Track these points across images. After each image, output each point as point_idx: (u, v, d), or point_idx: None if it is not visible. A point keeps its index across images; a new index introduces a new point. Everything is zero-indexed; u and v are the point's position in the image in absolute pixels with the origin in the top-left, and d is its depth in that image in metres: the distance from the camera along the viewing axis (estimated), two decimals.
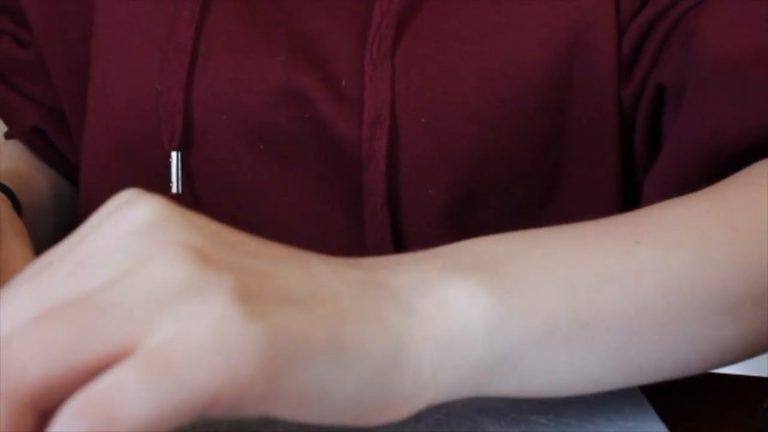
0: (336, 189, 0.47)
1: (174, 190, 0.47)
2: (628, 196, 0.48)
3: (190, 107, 0.46)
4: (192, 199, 0.48)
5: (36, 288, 0.23)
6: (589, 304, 0.28)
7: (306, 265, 0.24)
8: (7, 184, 0.49)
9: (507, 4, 0.46)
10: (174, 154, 0.47)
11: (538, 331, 0.27)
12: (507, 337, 0.26)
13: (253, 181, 0.48)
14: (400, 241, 0.47)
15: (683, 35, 0.43)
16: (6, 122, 0.61)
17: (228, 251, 0.23)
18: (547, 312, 0.27)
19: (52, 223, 0.58)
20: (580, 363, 0.29)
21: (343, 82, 0.46)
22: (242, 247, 0.24)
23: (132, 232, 0.23)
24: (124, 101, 0.48)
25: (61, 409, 0.21)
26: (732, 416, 0.42)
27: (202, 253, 0.23)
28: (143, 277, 0.22)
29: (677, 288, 0.30)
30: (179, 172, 0.47)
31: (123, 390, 0.20)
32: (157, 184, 0.47)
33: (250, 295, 0.22)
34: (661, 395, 0.42)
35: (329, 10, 0.47)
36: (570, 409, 0.37)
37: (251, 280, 0.23)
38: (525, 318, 0.27)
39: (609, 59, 0.46)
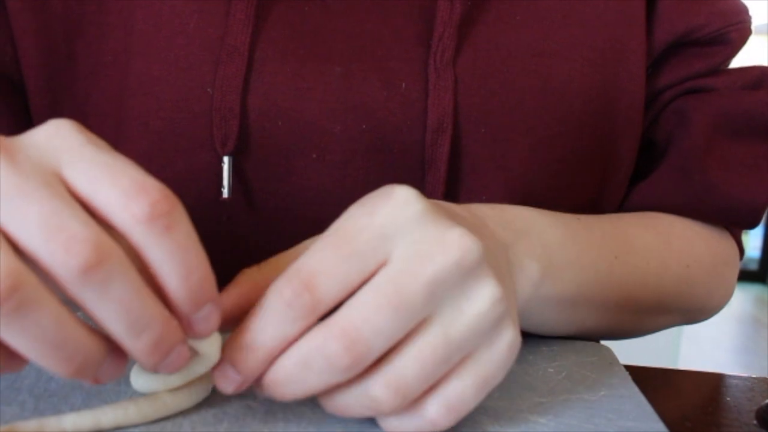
0: None
1: (225, 194, 0.46)
2: None
3: (245, 112, 0.45)
4: (242, 203, 0.47)
5: (343, 248, 0.31)
6: (584, 290, 0.46)
7: (484, 237, 0.37)
8: None
9: (553, 29, 0.48)
10: (226, 159, 0.46)
11: (554, 300, 0.44)
12: (539, 298, 0.43)
13: (304, 187, 0.47)
14: None
15: (680, 111, 0.54)
16: None
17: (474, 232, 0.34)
18: (565, 292, 0.44)
19: None
20: (564, 320, 0.46)
21: (403, 85, 0.46)
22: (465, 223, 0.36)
23: (416, 215, 0.32)
24: (168, 102, 0.46)
25: (372, 385, 0.31)
26: (732, 416, 0.42)
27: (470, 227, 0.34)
28: (440, 257, 0.31)
29: (625, 294, 0.48)
30: (230, 176, 0.46)
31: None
32: (201, 186, 0.47)
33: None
34: (661, 395, 0.42)
35: (383, 15, 0.47)
36: (570, 409, 0.37)
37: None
38: (552, 293, 0.44)
39: (639, 87, 0.51)
